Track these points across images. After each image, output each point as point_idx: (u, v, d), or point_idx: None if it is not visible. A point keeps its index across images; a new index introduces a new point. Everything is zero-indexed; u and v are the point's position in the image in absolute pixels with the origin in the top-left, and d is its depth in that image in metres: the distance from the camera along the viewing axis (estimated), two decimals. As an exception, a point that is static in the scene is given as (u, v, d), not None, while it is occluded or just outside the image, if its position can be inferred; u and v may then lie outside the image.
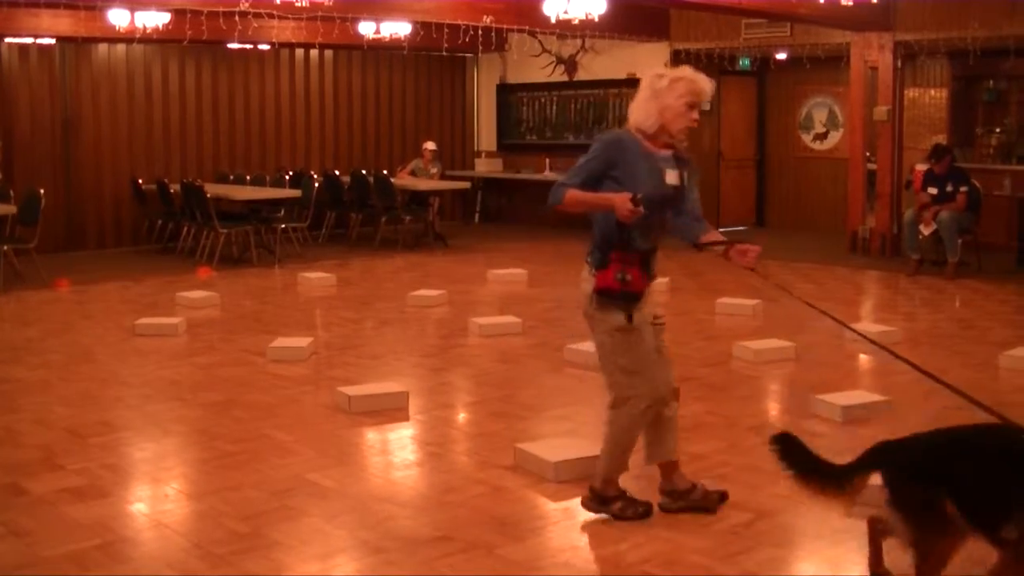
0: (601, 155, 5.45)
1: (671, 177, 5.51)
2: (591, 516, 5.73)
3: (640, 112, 5.48)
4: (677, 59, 18.88)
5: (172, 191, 16.58)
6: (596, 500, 5.67)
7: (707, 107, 5.49)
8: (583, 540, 5.44)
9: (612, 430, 5.62)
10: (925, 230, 14.92)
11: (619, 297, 5.43)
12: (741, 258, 5.56)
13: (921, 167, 15.95)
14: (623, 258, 5.41)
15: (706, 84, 5.50)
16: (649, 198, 5.27)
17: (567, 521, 5.68)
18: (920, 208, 15.11)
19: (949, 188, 14.97)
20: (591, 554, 5.29)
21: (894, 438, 4.76)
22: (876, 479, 4.70)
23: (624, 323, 5.45)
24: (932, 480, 4.46)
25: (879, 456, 4.68)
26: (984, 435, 4.66)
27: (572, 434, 7.19)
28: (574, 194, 5.41)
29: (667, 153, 5.54)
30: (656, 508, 5.72)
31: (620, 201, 5.21)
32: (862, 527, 5.60)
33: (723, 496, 5.88)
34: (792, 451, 4.74)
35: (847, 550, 5.34)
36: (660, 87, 5.43)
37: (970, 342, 10.59)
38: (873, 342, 6.10)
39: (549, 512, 5.82)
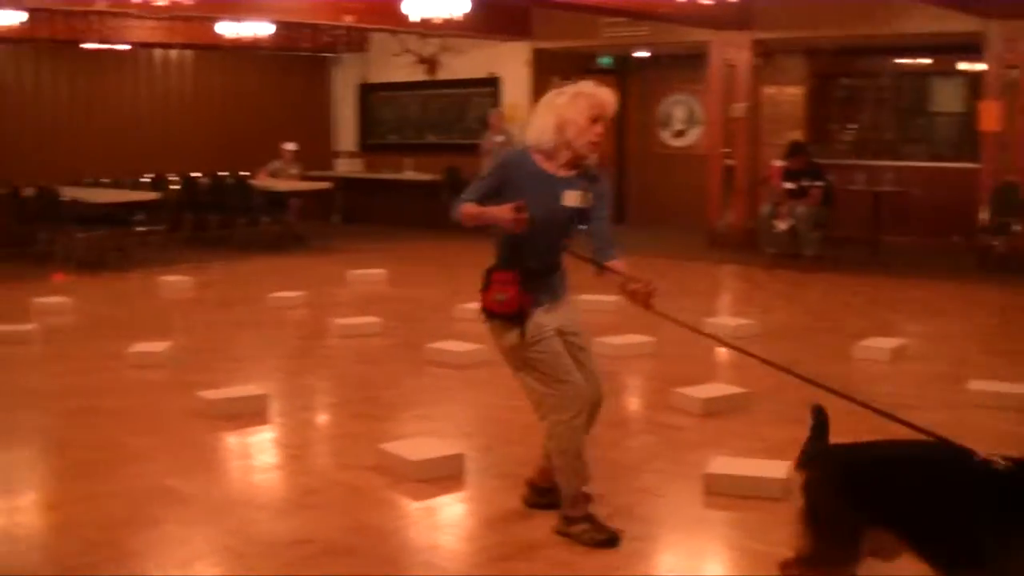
0: (494, 175, 5.43)
1: (570, 199, 5.34)
2: (453, 515, 5.76)
3: (537, 130, 5.35)
4: (538, 58, 19.00)
5: (25, 195, 16.24)
6: (563, 521, 5.44)
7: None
8: (444, 539, 5.46)
9: (553, 444, 5.41)
10: (782, 225, 15.19)
11: (501, 317, 5.36)
12: (634, 298, 5.42)
13: (778, 163, 16.25)
14: (502, 277, 5.36)
15: (609, 97, 5.35)
16: (536, 219, 5.17)
17: (428, 520, 5.70)
18: (776, 203, 15.39)
19: (805, 183, 15.28)
20: (452, 553, 5.31)
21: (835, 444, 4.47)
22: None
23: (517, 341, 5.33)
24: (863, 504, 4.07)
25: (807, 459, 4.37)
26: (935, 459, 4.19)
27: (434, 433, 7.20)
28: (467, 208, 5.36)
29: (569, 173, 5.38)
30: (617, 534, 5.39)
31: (502, 213, 5.16)
32: (719, 517, 5.73)
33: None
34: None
35: (706, 540, 5.44)
36: (559, 103, 5.31)
37: (825, 333, 10.82)
38: (730, 344, 6.16)
39: (411, 512, 5.84)
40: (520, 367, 5.41)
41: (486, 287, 5.42)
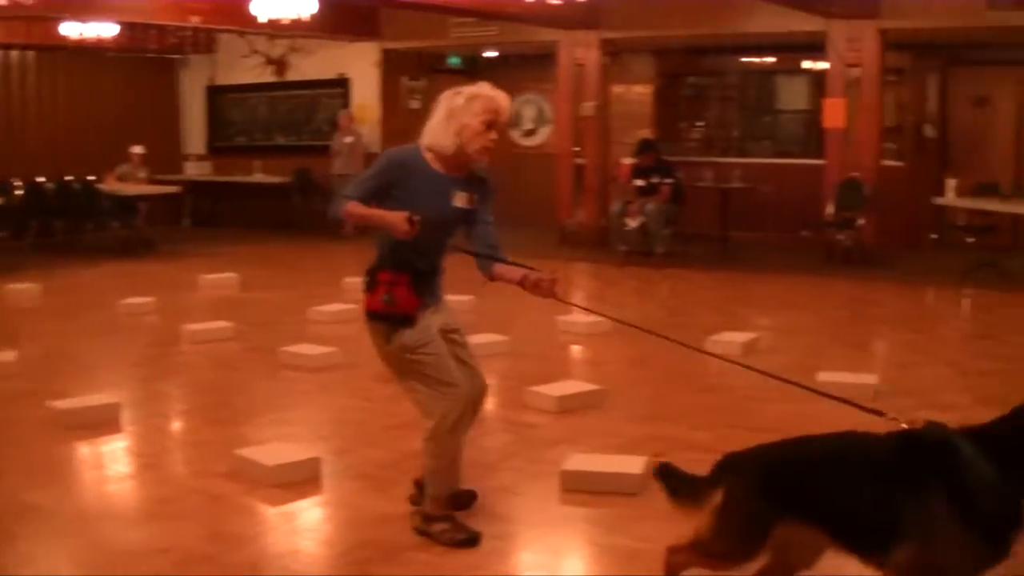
0: (381, 174, 5.26)
1: (460, 200, 5.33)
2: (312, 519, 5.73)
3: (435, 132, 5.26)
4: (387, 59, 18.96)
5: None
6: (422, 519, 5.44)
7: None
8: (304, 544, 5.41)
9: (431, 445, 5.36)
10: (632, 222, 15.36)
11: (388, 319, 5.27)
12: (537, 291, 5.30)
13: (627, 161, 16.43)
14: (391, 279, 5.25)
15: (504, 101, 5.34)
16: (426, 220, 5.08)
17: (287, 525, 5.65)
18: (627, 201, 15.56)
19: (654, 181, 15.47)
20: (312, 557, 5.27)
21: (741, 450, 4.39)
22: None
23: (403, 343, 5.27)
24: (781, 503, 4.10)
25: (721, 471, 4.32)
26: (846, 446, 4.26)
27: (289, 437, 7.14)
28: (352, 207, 5.15)
29: (458, 174, 5.36)
30: (477, 535, 5.40)
31: (395, 220, 5.03)
32: (576, 513, 5.77)
33: (472, 495, 5.82)
34: (670, 475, 4.51)
35: (564, 536, 5.48)
36: (456, 105, 5.25)
37: (678, 329, 10.90)
38: (729, 359, 6.19)
39: (268, 517, 5.78)
40: (404, 370, 5.35)
41: (371, 288, 5.31)
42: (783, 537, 4.12)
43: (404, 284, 5.25)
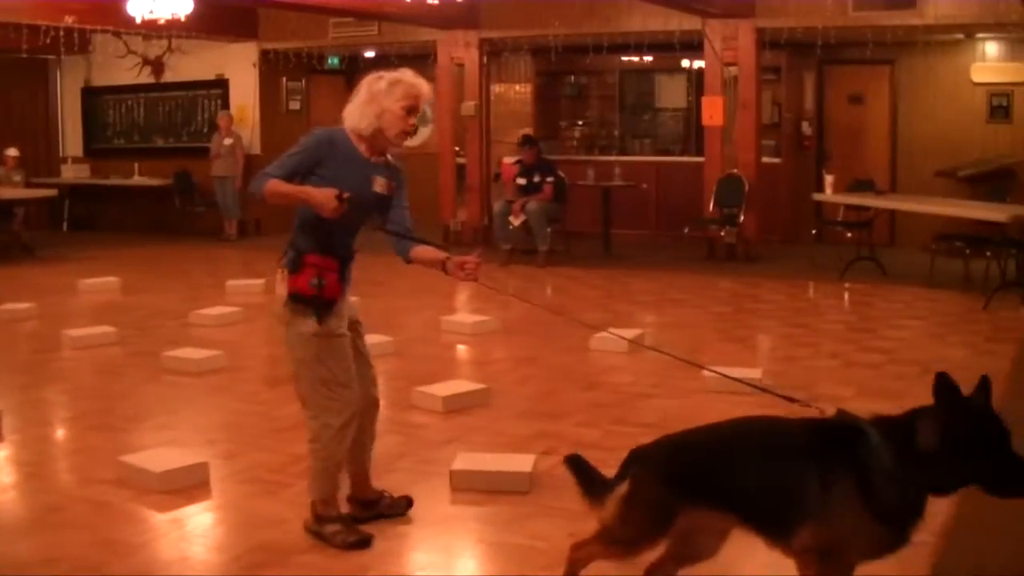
0: (309, 151, 5.19)
1: (379, 185, 5.32)
2: (202, 524, 5.68)
3: (356, 114, 5.26)
4: (266, 59, 18.83)
5: None
6: (313, 520, 5.39)
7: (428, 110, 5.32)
8: (194, 550, 5.36)
9: (316, 447, 5.31)
10: (515, 220, 15.42)
11: (312, 302, 5.19)
12: (460, 271, 5.23)
13: (509, 159, 16.49)
14: (321, 262, 5.18)
15: (425, 87, 5.38)
16: (352, 201, 5.04)
17: (176, 531, 5.59)
18: (509, 200, 15.62)
19: (536, 179, 15.55)
20: (203, 563, 5.21)
21: (647, 443, 4.39)
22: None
23: (319, 329, 5.19)
24: (681, 487, 4.13)
25: (629, 464, 4.30)
26: (753, 430, 4.34)
27: (175, 443, 7.07)
28: (275, 184, 5.07)
29: (379, 160, 5.35)
30: (369, 536, 5.38)
31: (324, 197, 4.98)
32: (467, 512, 5.79)
33: (408, 501, 5.75)
34: (581, 470, 4.46)
35: (456, 535, 5.49)
36: (378, 89, 5.28)
37: (563, 327, 10.97)
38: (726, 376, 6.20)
39: (157, 524, 5.71)
40: (307, 360, 5.24)
41: (297, 269, 5.22)
42: (688, 523, 4.17)
43: (334, 270, 5.21)
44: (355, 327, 5.49)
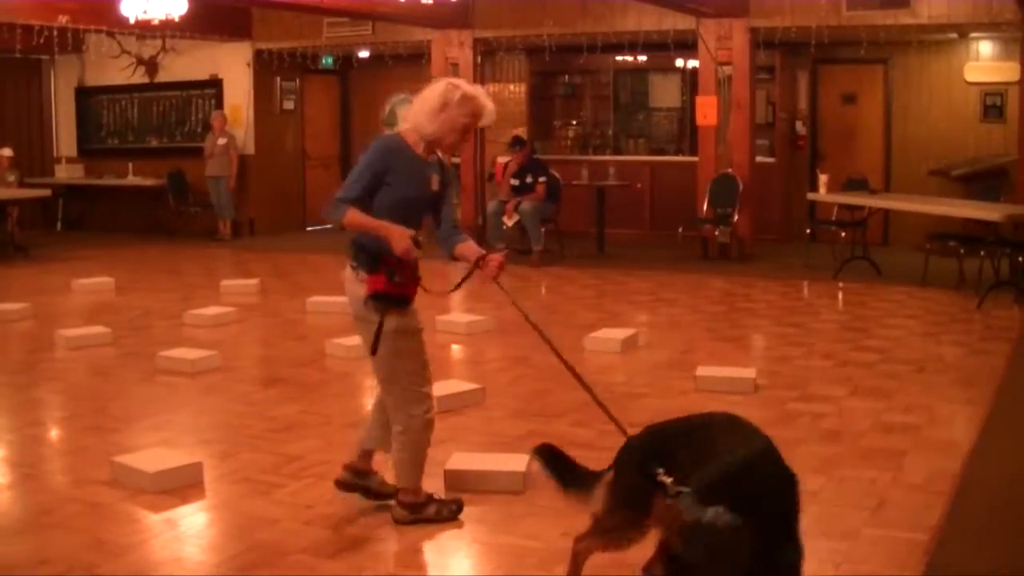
0: (374, 167, 5.37)
1: (434, 183, 5.54)
2: (196, 525, 5.67)
3: (424, 119, 5.42)
4: (260, 59, 18.81)
5: None
6: (408, 510, 5.55)
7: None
8: (188, 550, 5.36)
9: (405, 438, 5.51)
10: (508, 221, 15.43)
11: (393, 300, 5.39)
12: (485, 269, 5.46)
13: (503, 159, 16.49)
14: (397, 262, 5.32)
15: (490, 110, 5.53)
16: (413, 202, 5.41)
17: (169, 532, 5.58)
18: (503, 200, 15.63)
19: (529, 179, 15.57)
20: (197, 564, 5.21)
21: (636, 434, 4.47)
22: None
23: (400, 325, 5.41)
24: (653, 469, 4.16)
25: (618, 455, 4.44)
26: (716, 423, 4.42)
27: (168, 443, 7.06)
28: (354, 215, 5.27)
29: (433, 158, 5.56)
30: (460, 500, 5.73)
31: (400, 238, 5.21)
32: (463, 512, 5.76)
33: (459, 505, 5.81)
34: (553, 461, 4.59)
35: (450, 535, 5.48)
36: (452, 99, 5.40)
37: (557, 326, 10.98)
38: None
39: (151, 525, 5.70)
40: (388, 356, 5.45)
41: (375, 270, 5.37)
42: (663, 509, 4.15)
43: (408, 266, 5.39)
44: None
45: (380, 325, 5.38)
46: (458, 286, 5.82)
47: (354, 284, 5.48)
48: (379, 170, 5.36)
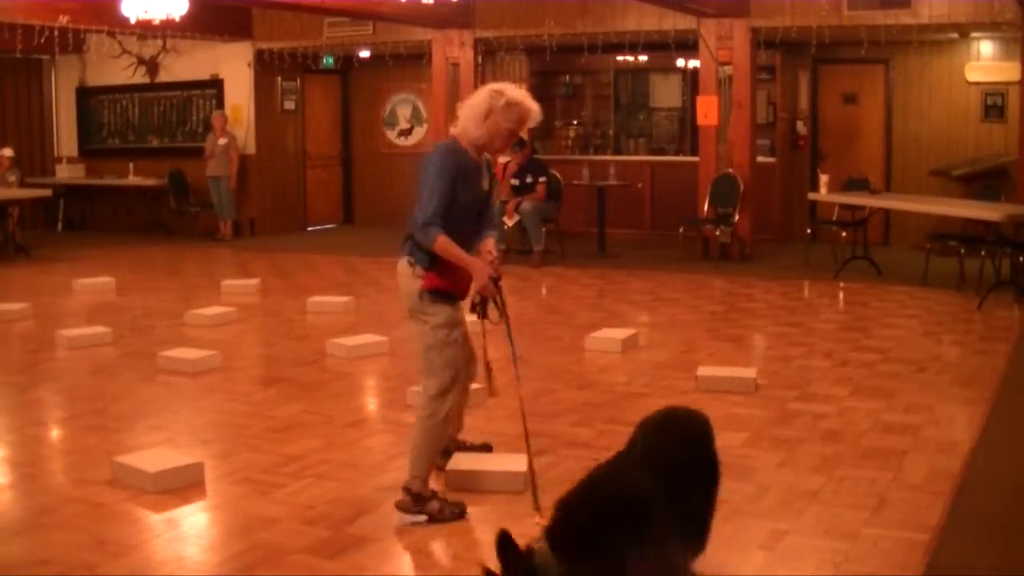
0: (448, 176, 5.60)
1: (485, 183, 5.87)
2: (197, 525, 5.68)
3: (472, 124, 5.67)
4: (260, 59, 18.80)
5: None
6: (413, 499, 5.66)
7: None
8: (189, 550, 5.36)
9: (431, 423, 5.75)
10: (509, 221, 15.42)
11: (446, 296, 5.70)
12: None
13: (503, 159, 16.48)
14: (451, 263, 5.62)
15: (534, 113, 5.72)
16: (472, 204, 5.75)
17: (170, 532, 5.58)
18: (504, 200, 15.62)
19: (529, 179, 15.58)
20: (198, 564, 5.21)
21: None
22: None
23: (452, 319, 5.74)
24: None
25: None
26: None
27: (169, 443, 7.07)
28: (444, 243, 5.54)
29: (482, 160, 5.85)
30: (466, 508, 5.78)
31: (480, 273, 5.61)
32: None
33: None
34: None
35: (453, 535, 5.48)
36: (497, 106, 5.62)
37: (557, 326, 11.03)
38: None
39: (151, 525, 5.70)
40: (436, 346, 5.75)
41: (433, 267, 5.65)
42: None
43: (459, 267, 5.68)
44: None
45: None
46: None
47: (410, 279, 5.73)
48: (455, 175, 5.63)
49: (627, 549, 3.95)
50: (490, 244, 5.89)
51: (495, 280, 5.70)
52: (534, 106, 5.74)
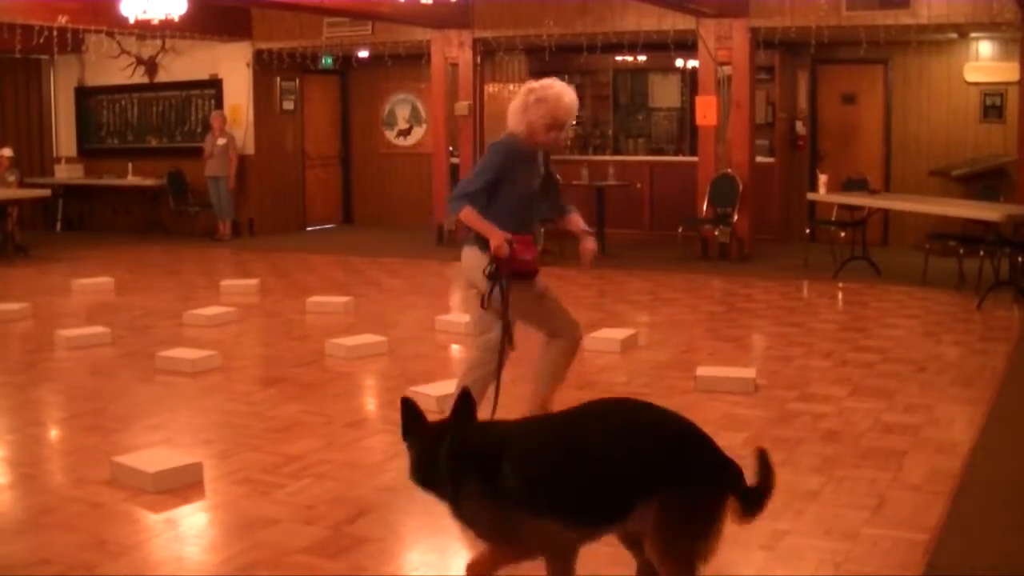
0: (496, 170, 6.19)
1: (541, 167, 6.41)
2: (196, 525, 5.67)
3: (512, 120, 6.22)
4: (259, 59, 18.80)
5: None
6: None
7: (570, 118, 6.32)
8: (187, 550, 5.35)
9: (554, 355, 6.63)
10: (509, 221, 15.39)
11: (519, 274, 6.21)
12: (583, 256, 6.47)
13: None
14: (523, 240, 6.20)
15: (565, 111, 6.14)
16: (527, 193, 6.29)
17: (170, 532, 5.58)
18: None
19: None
20: (198, 564, 5.20)
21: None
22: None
23: (526, 294, 6.31)
24: None
25: None
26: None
27: (168, 443, 7.06)
28: (468, 213, 6.15)
29: (538, 151, 6.38)
30: None
31: (497, 238, 6.05)
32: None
33: None
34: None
35: (450, 535, 5.48)
36: (529, 102, 6.14)
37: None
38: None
39: (151, 525, 5.70)
40: (531, 313, 6.48)
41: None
42: None
43: (534, 246, 6.31)
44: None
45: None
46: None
47: (475, 256, 6.29)
48: (501, 171, 6.18)
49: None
50: (576, 219, 6.59)
51: (510, 243, 6.05)
52: (564, 103, 6.11)
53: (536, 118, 6.11)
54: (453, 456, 4.27)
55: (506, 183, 6.21)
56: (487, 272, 6.17)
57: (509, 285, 6.19)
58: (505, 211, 6.20)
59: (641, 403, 4.50)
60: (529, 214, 6.36)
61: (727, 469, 4.16)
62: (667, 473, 4.08)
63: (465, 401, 4.49)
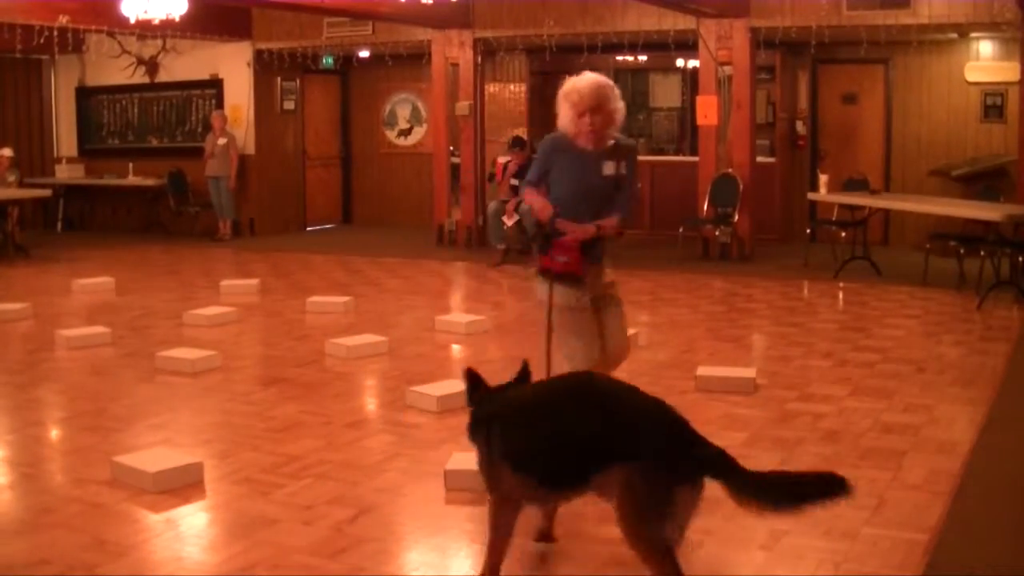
0: (541, 161, 6.42)
1: (608, 168, 6.29)
2: (196, 525, 5.67)
3: (560, 117, 6.30)
4: (260, 59, 18.80)
5: None
6: None
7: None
8: (187, 550, 5.35)
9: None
10: (508, 221, 15.42)
11: (558, 277, 6.25)
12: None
13: (503, 159, 16.50)
14: (563, 244, 6.23)
15: (578, 94, 6.19)
16: (573, 192, 6.27)
17: (170, 532, 5.58)
18: (503, 200, 15.63)
19: (528, 180, 15.56)
20: (198, 564, 5.20)
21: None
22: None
23: (565, 302, 6.30)
24: None
25: None
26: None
27: (169, 443, 7.06)
28: (528, 193, 6.44)
29: (604, 148, 6.28)
30: None
31: (540, 208, 6.27)
32: (461, 512, 5.78)
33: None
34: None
35: (450, 535, 5.48)
36: (559, 98, 6.30)
37: (556, 327, 10.99)
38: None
39: (151, 524, 5.70)
40: (555, 325, 6.41)
41: (546, 250, 6.30)
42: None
43: (578, 249, 6.26)
44: (606, 292, 6.59)
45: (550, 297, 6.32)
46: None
47: (538, 285, 6.44)
48: (543, 166, 6.39)
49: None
50: (607, 219, 6.33)
51: (552, 217, 6.21)
52: (577, 87, 6.21)
53: (568, 108, 6.21)
54: (472, 419, 5.01)
55: (552, 176, 6.35)
56: (533, 239, 6.45)
57: (552, 287, 6.28)
58: (567, 207, 6.28)
59: (618, 383, 4.78)
60: (585, 212, 6.30)
61: (689, 451, 4.30)
62: (617, 447, 4.35)
63: (522, 372, 5.26)
